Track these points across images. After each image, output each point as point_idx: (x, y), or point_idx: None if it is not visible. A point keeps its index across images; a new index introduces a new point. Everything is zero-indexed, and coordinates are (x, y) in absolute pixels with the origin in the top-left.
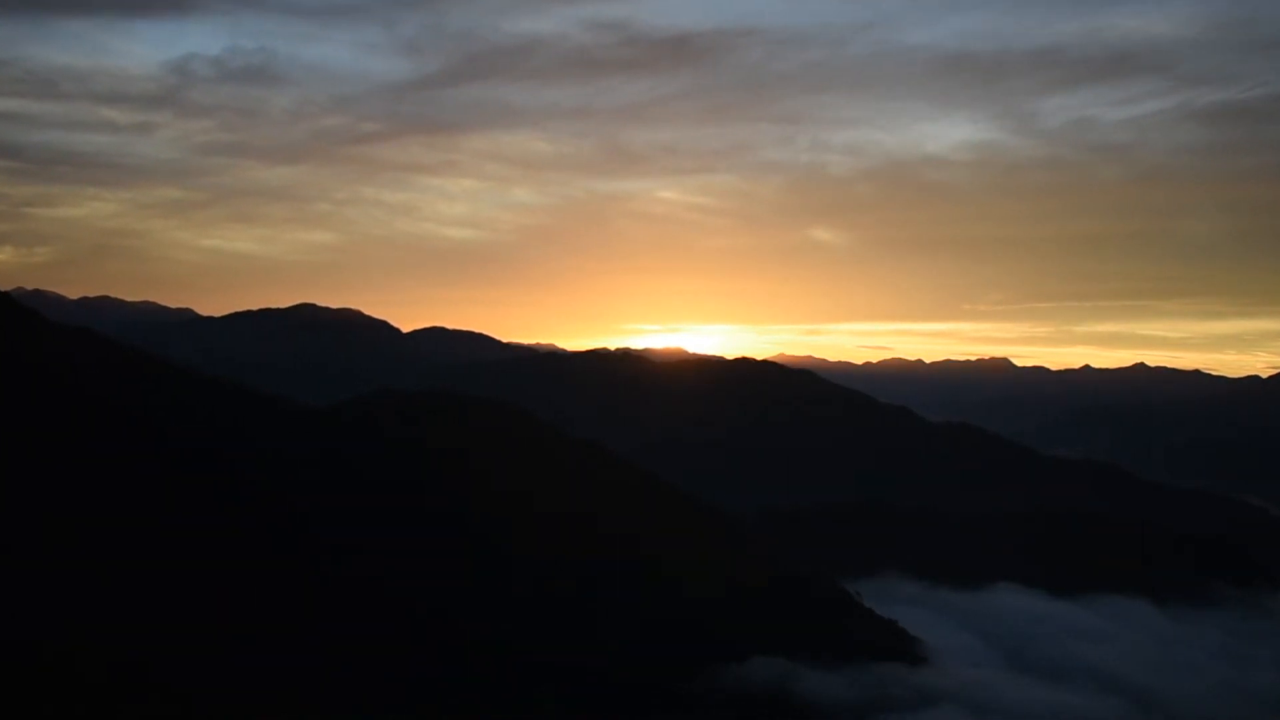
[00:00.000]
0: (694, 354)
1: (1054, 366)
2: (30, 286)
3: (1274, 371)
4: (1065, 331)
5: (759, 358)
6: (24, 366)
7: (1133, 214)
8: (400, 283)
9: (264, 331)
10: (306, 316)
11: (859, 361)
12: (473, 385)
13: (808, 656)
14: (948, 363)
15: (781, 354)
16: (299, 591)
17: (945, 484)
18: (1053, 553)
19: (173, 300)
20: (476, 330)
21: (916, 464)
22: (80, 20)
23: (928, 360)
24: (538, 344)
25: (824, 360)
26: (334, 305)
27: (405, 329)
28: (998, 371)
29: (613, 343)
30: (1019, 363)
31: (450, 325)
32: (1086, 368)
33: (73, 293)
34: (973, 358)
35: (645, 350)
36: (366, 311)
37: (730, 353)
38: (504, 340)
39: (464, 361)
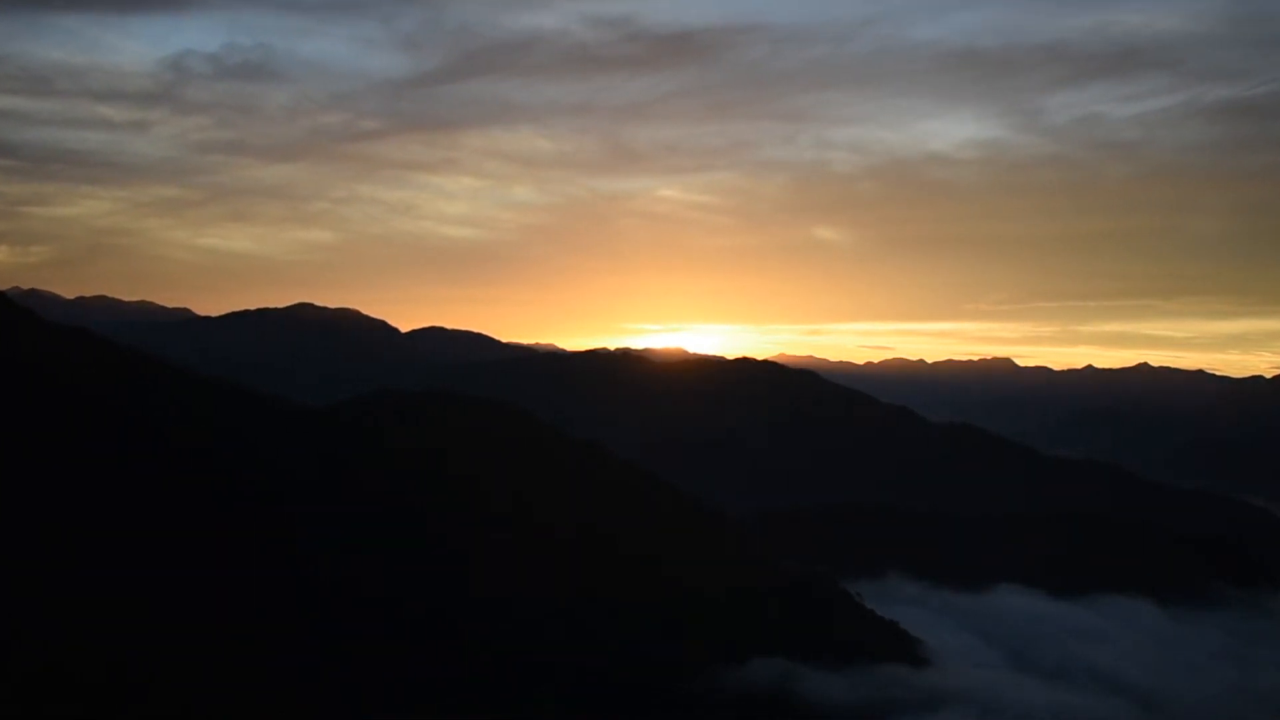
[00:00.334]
0: (694, 354)
1: (1056, 366)
2: (26, 286)
3: (1277, 371)
4: (1069, 331)
5: (760, 358)
6: (20, 367)
7: (1139, 212)
8: (399, 282)
9: (261, 331)
10: (304, 316)
11: (860, 361)
12: (472, 385)
13: (808, 657)
14: (950, 363)
15: (782, 354)
16: (297, 592)
17: (947, 484)
18: (1055, 553)
19: (169, 300)
20: (476, 330)
21: (918, 465)
22: (75, 16)
23: (929, 360)
24: (537, 344)
25: (825, 360)
26: (332, 305)
27: (404, 329)
28: (1000, 372)
29: (613, 343)
30: (1021, 363)
31: (449, 325)
32: (1089, 368)
33: (68, 292)
34: (975, 358)
35: (645, 350)
36: (365, 311)
37: (731, 353)
38: (503, 340)
39: (463, 361)
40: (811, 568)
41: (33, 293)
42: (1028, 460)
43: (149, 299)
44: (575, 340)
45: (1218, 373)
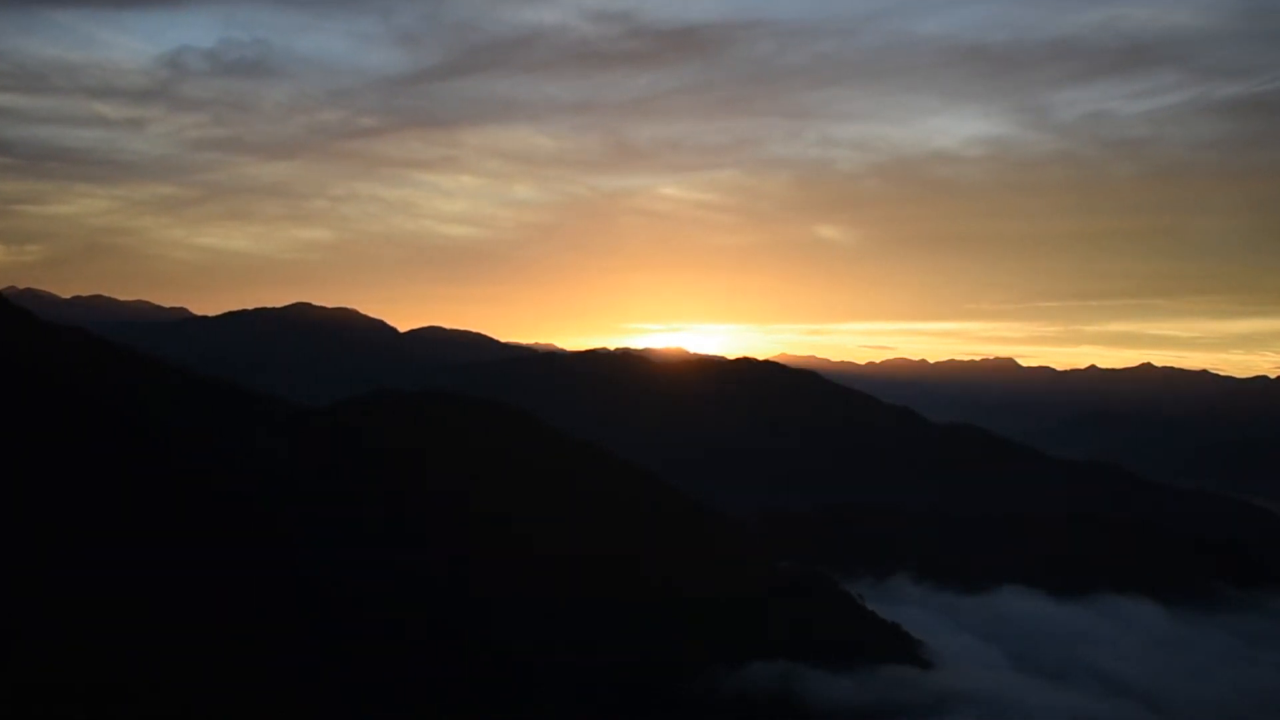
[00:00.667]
0: (695, 354)
1: (1059, 367)
2: (22, 285)
3: None
4: (1073, 331)
5: (761, 358)
6: (16, 367)
7: (1145, 211)
8: (397, 281)
9: (259, 331)
10: (302, 316)
11: (862, 362)
12: (471, 386)
13: (809, 659)
14: (952, 363)
15: (783, 354)
16: (295, 593)
17: (949, 485)
18: (1057, 554)
19: (166, 299)
20: (474, 330)
21: (920, 465)
22: (70, 11)
23: (932, 360)
24: (536, 344)
25: (826, 360)
26: (330, 304)
27: (402, 329)
28: (1003, 372)
29: (613, 342)
30: (1024, 363)
31: (448, 325)
32: (1092, 368)
33: (65, 292)
34: (977, 358)
35: (645, 350)
36: (363, 311)
37: (732, 353)
38: (502, 340)
39: (462, 362)
40: (812, 569)
41: (28, 292)
42: (1030, 461)
43: (145, 298)
44: (575, 340)
45: (1222, 373)
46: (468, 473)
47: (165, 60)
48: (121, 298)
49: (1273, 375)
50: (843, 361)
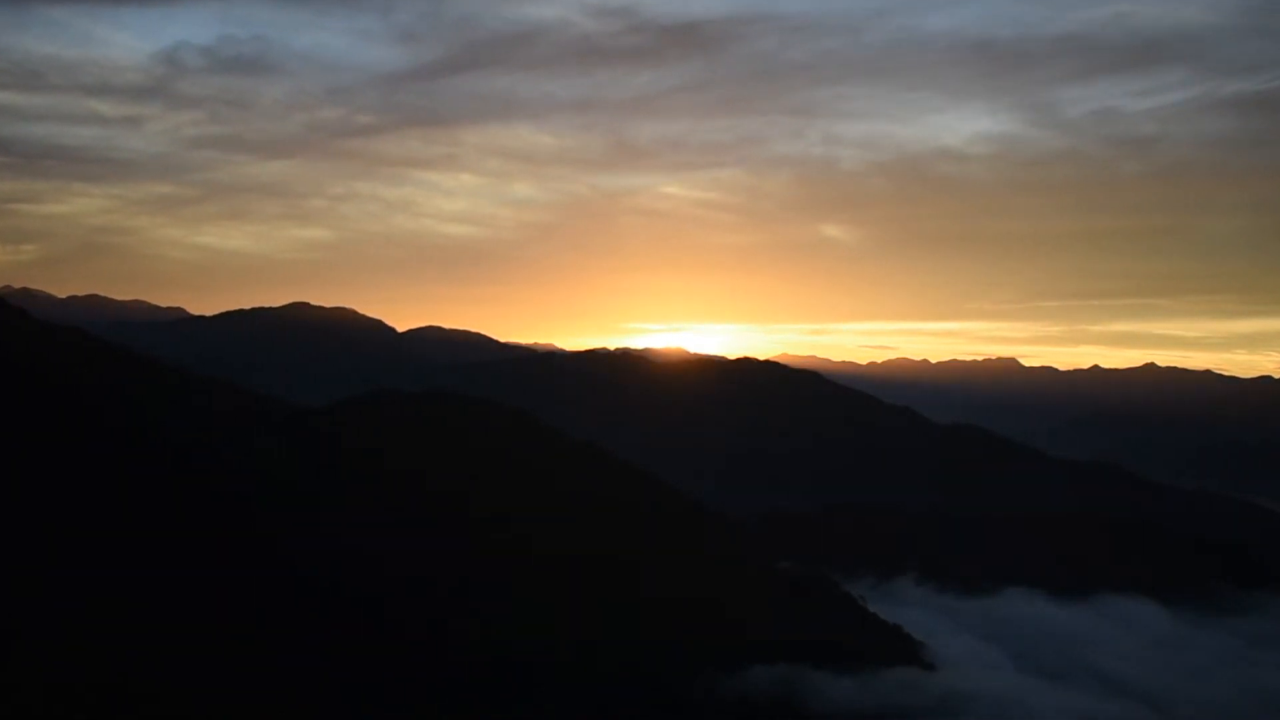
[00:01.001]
0: (695, 354)
1: (1062, 367)
2: (17, 285)
3: None
4: (1076, 331)
5: (762, 358)
6: (12, 367)
7: (1151, 210)
8: (396, 281)
9: (256, 331)
10: (300, 316)
11: (863, 362)
12: (469, 386)
13: (810, 660)
14: (954, 363)
15: (785, 354)
16: (293, 593)
17: (951, 486)
18: (1060, 555)
19: (163, 299)
20: (474, 330)
21: (922, 466)
22: (66, 7)
23: (933, 360)
24: (536, 344)
25: (828, 360)
26: (328, 304)
27: (401, 328)
28: (1005, 372)
29: (613, 342)
30: (1026, 363)
31: (447, 325)
32: (1095, 368)
33: (61, 291)
34: (979, 358)
35: (645, 350)
36: (361, 310)
37: (733, 353)
38: (501, 340)
39: (461, 362)
40: (813, 570)
41: (24, 291)
42: (1032, 461)
43: (143, 298)
44: (575, 340)
45: (1225, 373)
46: (467, 473)
47: (162, 57)
48: (118, 297)
49: (1276, 375)
50: (844, 361)
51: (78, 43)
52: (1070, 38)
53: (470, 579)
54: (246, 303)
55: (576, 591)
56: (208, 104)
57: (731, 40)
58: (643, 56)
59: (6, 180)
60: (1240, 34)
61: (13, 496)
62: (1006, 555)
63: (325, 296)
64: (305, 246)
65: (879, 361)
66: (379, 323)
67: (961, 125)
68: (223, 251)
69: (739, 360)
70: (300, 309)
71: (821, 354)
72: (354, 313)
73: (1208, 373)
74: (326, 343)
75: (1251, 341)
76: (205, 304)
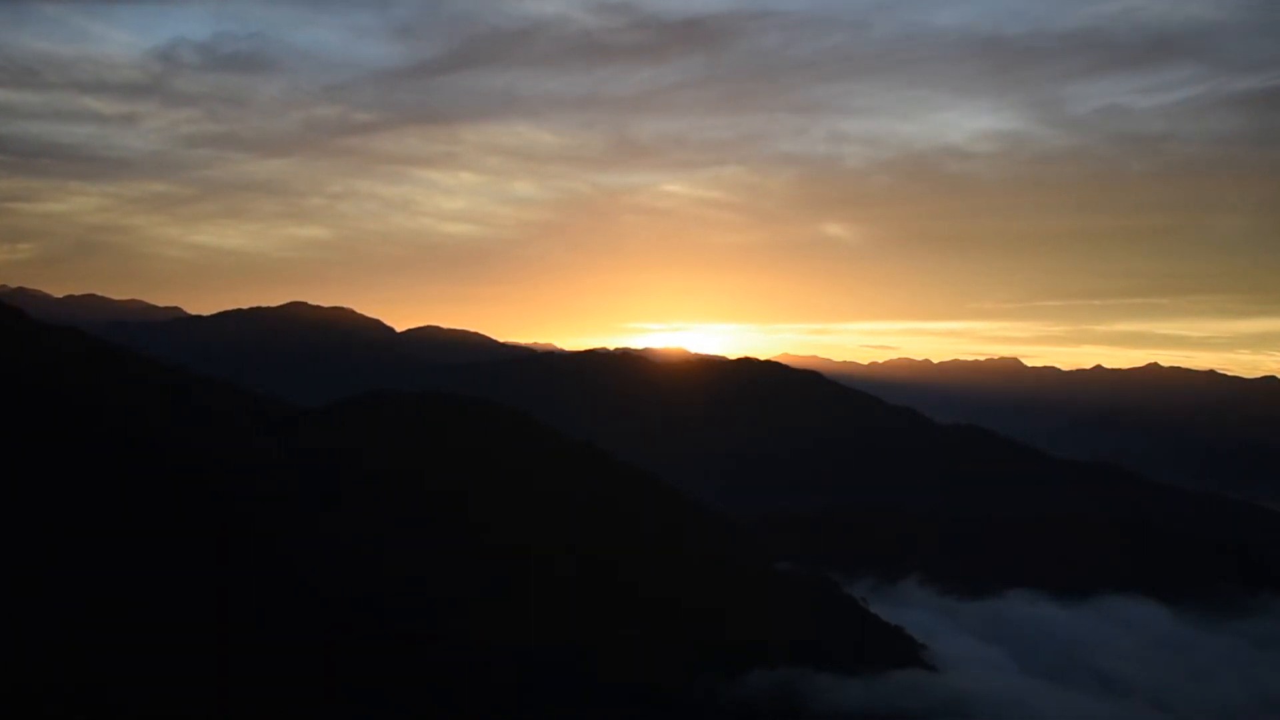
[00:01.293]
0: (695, 354)
1: (1065, 367)
2: (13, 284)
3: None
4: (1079, 331)
5: (763, 358)
6: (8, 367)
7: (1159, 208)
8: (395, 280)
9: (254, 331)
10: (298, 315)
11: (864, 362)
12: (468, 386)
13: (812, 663)
14: (956, 363)
15: (785, 354)
16: (291, 593)
17: (952, 487)
18: (1063, 557)
19: (160, 298)
20: (473, 330)
21: (923, 467)
22: (61, 4)
23: (935, 360)
24: (535, 344)
25: (829, 360)
26: (326, 304)
27: (399, 328)
28: (1007, 372)
29: (614, 342)
30: (1029, 363)
31: (445, 325)
32: (1098, 368)
33: (57, 291)
34: (981, 358)
35: (645, 350)
36: (359, 310)
37: (734, 352)
38: (501, 340)
39: (459, 362)
40: (814, 571)
41: (20, 291)
42: (1035, 462)
43: (139, 298)
44: (574, 340)
45: (1229, 373)
46: (465, 474)
47: (158, 54)
48: (115, 297)
49: None
50: (845, 362)
51: (73, 39)
52: (1078, 34)
53: (468, 580)
54: (244, 302)
55: (575, 593)
56: (204, 101)
57: (734, 36)
58: (644, 53)
59: (2, 179)
60: (1249, 30)
61: (8, 497)
62: (1008, 556)
63: (323, 296)
64: (303, 245)
65: (880, 361)
66: (377, 322)
67: (966, 122)
68: (220, 250)
69: (740, 360)
70: (298, 308)
71: (823, 354)
72: (352, 312)
73: (1211, 373)
74: (325, 343)
75: (1255, 342)
76: (203, 304)
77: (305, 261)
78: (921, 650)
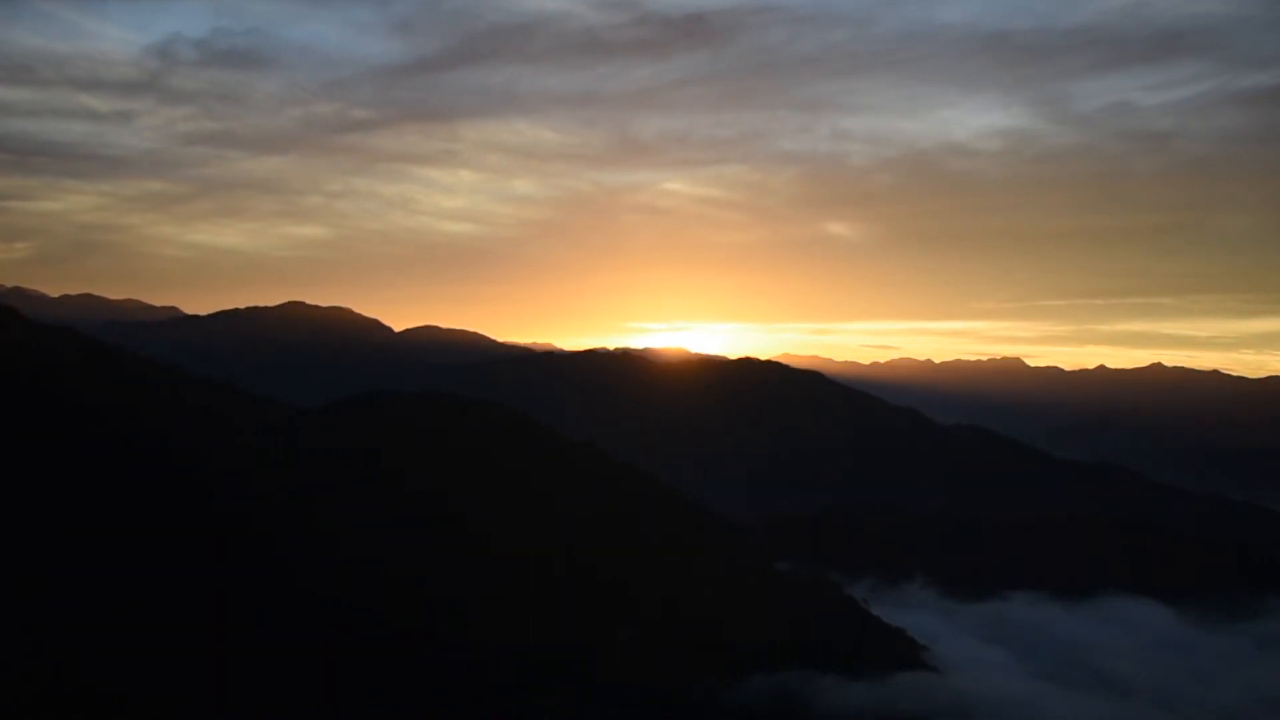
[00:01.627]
0: (696, 354)
1: (1068, 367)
2: (9, 284)
3: None
4: (1082, 331)
5: (764, 358)
6: (3, 367)
7: (1164, 207)
8: (394, 280)
9: (251, 330)
10: (295, 315)
11: (866, 362)
12: (467, 387)
13: (813, 664)
14: (958, 363)
15: (787, 354)
16: (289, 594)
17: (955, 488)
18: (1066, 558)
19: (157, 298)
20: (472, 330)
21: (926, 468)
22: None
23: (937, 360)
24: (535, 344)
25: (830, 360)
26: (324, 303)
27: (398, 328)
28: (1010, 372)
29: (614, 342)
30: (1032, 363)
31: (444, 324)
32: (1101, 368)
33: (53, 290)
34: (984, 358)
35: (646, 350)
36: (357, 310)
37: (735, 352)
38: (500, 340)
39: (458, 362)
40: (815, 572)
41: (16, 290)
42: (1037, 463)
43: (136, 297)
44: (574, 340)
45: (1233, 373)
46: (464, 475)
47: (154, 50)
48: (111, 296)
49: None
50: (847, 362)
51: (68, 36)
52: (1085, 30)
53: (468, 580)
54: (241, 302)
55: (575, 594)
56: (201, 98)
57: (737, 32)
58: (646, 49)
59: None
60: (1258, 26)
61: (4, 498)
62: (1010, 557)
63: (321, 295)
64: (301, 244)
65: (882, 361)
66: (376, 322)
67: (971, 119)
68: (217, 249)
69: (740, 360)
70: (296, 308)
71: (824, 354)
72: (350, 312)
73: (1215, 373)
74: (322, 342)
75: (1259, 341)
76: (200, 303)
77: (303, 260)
78: (923, 651)
